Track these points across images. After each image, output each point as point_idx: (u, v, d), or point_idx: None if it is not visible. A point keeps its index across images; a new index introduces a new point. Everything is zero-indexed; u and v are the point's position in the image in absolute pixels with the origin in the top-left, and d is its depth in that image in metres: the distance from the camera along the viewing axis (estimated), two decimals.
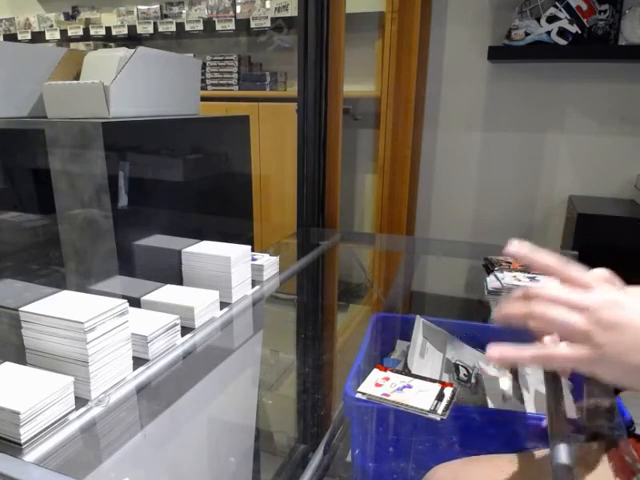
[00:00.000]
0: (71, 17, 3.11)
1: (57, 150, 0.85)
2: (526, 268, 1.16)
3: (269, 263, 1.10)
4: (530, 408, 0.78)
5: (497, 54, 2.00)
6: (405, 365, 0.88)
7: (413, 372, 0.84)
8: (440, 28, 2.17)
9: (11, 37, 3.25)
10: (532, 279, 1.12)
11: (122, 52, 0.98)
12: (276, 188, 2.41)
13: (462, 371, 0.87)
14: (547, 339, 0.48)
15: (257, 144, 2.34)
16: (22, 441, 0.56)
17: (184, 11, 2.81)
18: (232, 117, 1.34)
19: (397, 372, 0.80)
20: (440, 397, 0.72)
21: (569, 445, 0.45)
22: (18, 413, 0.55)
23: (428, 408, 0.69)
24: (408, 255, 1.68)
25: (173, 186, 1.03)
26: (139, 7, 2.86)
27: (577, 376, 0.78)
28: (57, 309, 0.66)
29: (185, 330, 0.83)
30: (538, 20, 1.88)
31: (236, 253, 0.97)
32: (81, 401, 0.64)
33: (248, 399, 1.03)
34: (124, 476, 0.63)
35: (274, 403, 1.22)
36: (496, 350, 0.47)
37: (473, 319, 1.09)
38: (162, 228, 0.98)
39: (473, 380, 0.86)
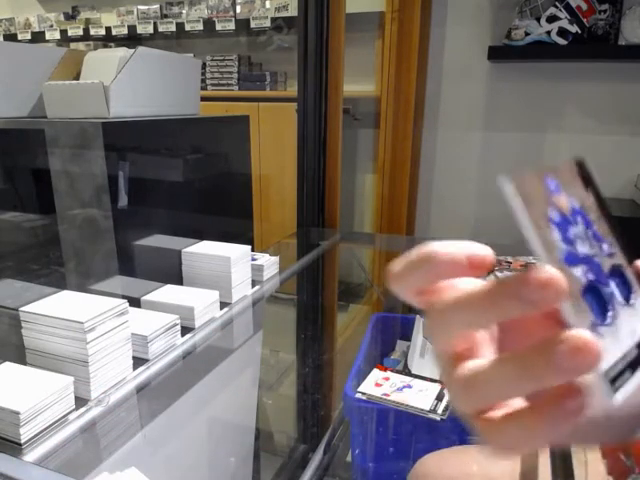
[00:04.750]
0: (71, 17, 3.11)
1: (57, 150, 0.85)
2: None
3: (269, 263, 1.10)
4: None
5: (497, 54, 2.00)
6: (405, 365, 0.88)
7: (413, 372, 0.84)
8: (440, 28, 2.16)
9: (11, 37, 3.24)
10: None
11: (122, 52, 0.98)
12: (276, 188, 2.41)
13: None
14: None
15: (257, 144, 2.33)
16: (22, 441, 0.56)
17: (184, 11, 2.81)
18: (232, 117, 1.34)
19: (397, 372, 0.80)
20: (440, 397, 0.72)
21: None
22: (18, 413, 0.55)
23: (428, 408, 0.69)
24: None
25: (173, 186, 1.03)
26: (139, 7, 2.86)
27: None
28: (57, 309, 0.66)
29: (185, 330, 0.83)
30: (538, 20, 1.88)
31: (236, 253, 0.97)
32: (81, 401, 0.64)
33: (248, 399, 1.03)
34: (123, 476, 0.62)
35: (274, 403, 1.22)
36: None
37: None
38: (162, 228, 0.98)
39: None
